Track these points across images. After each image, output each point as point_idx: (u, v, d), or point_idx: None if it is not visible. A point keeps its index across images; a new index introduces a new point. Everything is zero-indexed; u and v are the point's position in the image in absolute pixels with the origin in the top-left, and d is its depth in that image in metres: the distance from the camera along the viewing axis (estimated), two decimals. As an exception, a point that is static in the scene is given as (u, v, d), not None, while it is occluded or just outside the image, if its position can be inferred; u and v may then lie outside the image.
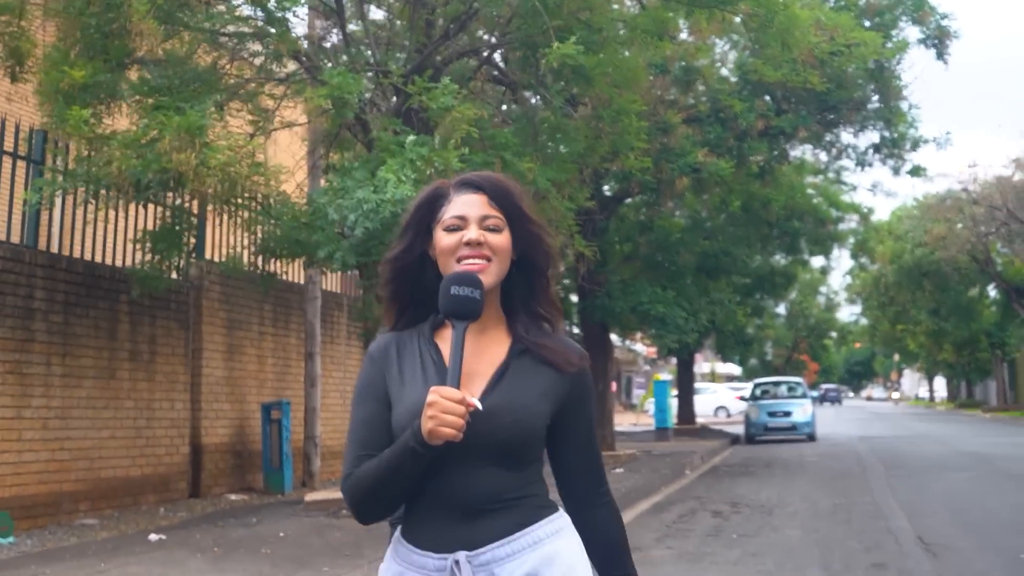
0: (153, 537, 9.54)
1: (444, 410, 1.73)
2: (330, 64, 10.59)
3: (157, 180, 9.32)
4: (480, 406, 1.79)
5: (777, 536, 10.72)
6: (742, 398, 40.35)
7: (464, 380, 1.84)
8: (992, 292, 44.90)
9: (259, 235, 11.36)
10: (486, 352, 1.96)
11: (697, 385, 41.04)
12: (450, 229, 1.92)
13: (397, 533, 1.97)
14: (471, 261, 1.92)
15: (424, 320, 2.04)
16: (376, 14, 13.29)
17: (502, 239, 1.93)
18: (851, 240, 27.55)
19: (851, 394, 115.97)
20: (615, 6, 10.82)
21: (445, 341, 1.95)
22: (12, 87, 11.96)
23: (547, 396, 1.95)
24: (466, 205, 1.93)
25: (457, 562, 1.84)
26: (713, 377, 59.75)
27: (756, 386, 33.07)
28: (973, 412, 56.21)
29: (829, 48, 13.98)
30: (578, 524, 2.03)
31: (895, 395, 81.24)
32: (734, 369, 60.49)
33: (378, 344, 2.04)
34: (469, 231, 1.90)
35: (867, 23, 17.82)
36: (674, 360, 35.28)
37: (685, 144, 16.25)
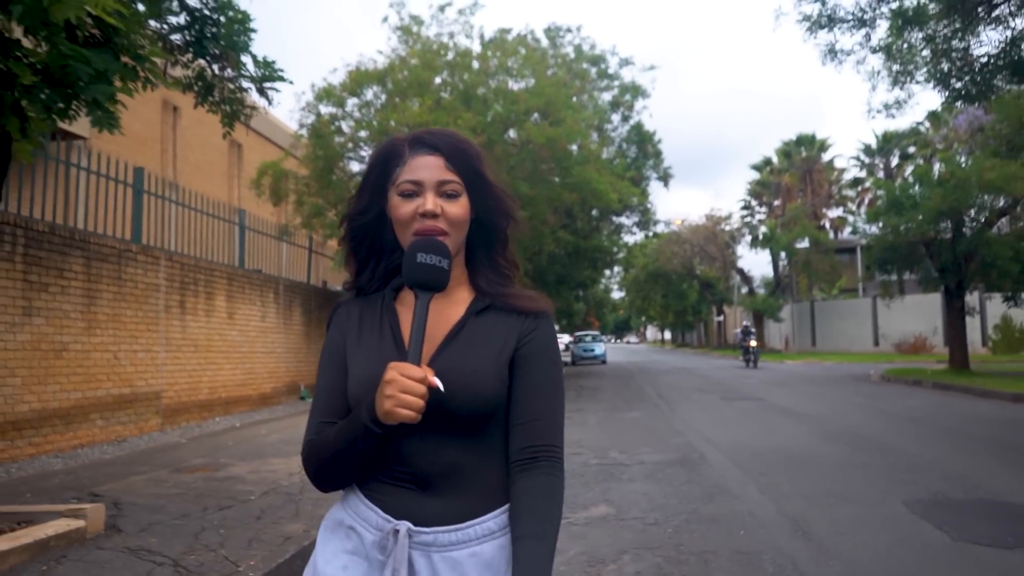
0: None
1: (403, 389, 0.93)
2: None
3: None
4: (441, 386, 0.97)
5: (600, 395, 13.31)
6: (566, 344, 40.69)
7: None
8: (695, 285, 44.80)
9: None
10: (443, 313, 1.09)
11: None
12: (405, 195, 1.06)
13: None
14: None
15: (387, 277, 1.16)
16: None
17: (459, 208, 1.07)
18: (622, 259, 29.58)
19: (617, 340, 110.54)
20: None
21: (404, 305, 1.11)
22: (273, 208, 14.33)
23: (504, 353, 1.07)
24: (422, 168, 1.06)
25: (397, 531, 1.03)
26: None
27: (576, 336, 33.61)
28: (684, 348, 57.75)
29: (617, 196, 15.76)
30: (512, 485, 1.06)
31: (650, 339, 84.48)
32: (558, 326, 60.86)
33: (341, 309, 1.17)
34: (425, 200, 1.05)
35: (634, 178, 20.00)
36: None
37: (557, 229, 18.52)
